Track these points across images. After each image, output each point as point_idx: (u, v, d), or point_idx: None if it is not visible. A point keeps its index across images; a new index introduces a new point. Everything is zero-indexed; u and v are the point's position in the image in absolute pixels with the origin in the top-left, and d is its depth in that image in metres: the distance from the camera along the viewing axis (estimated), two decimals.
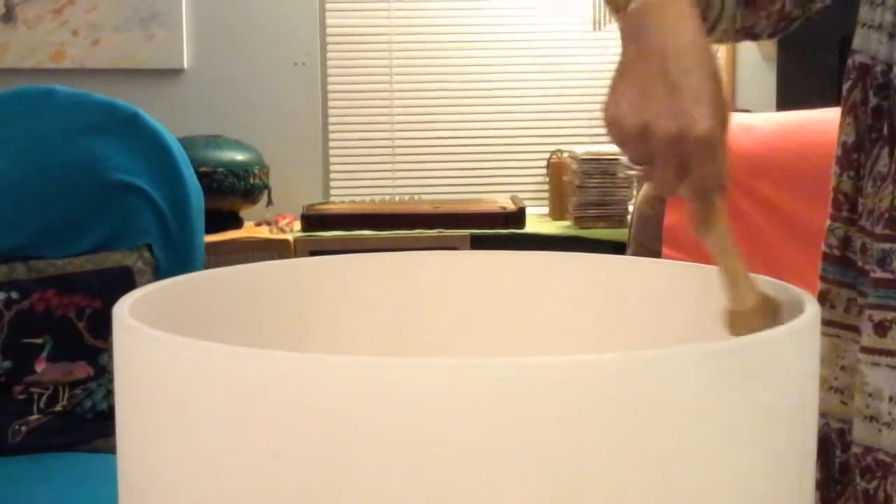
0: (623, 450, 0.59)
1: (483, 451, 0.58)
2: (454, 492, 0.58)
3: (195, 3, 3.48)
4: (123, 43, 3.43)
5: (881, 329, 0.97)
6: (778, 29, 1.08)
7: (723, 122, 0.76)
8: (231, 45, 3.49)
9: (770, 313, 0.75)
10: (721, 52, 3.59)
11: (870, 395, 0.98)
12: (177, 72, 3.48)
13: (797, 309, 0.71)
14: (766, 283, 0.82)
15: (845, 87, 1.05)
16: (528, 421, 0.58)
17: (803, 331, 0.68)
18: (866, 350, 0.99)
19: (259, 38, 3.49)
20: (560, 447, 0.58)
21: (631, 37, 0.80)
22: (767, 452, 0.65)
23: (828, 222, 1.07)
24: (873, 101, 1.01)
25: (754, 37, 1.09)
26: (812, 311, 0.70)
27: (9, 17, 3.41)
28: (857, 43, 1.04)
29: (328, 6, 3.60)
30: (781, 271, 2.29)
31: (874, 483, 0.98)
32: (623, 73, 0.79)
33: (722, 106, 0.76)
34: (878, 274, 0.98)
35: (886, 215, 0.97)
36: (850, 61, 1.05)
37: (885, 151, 0.99)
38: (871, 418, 0.98)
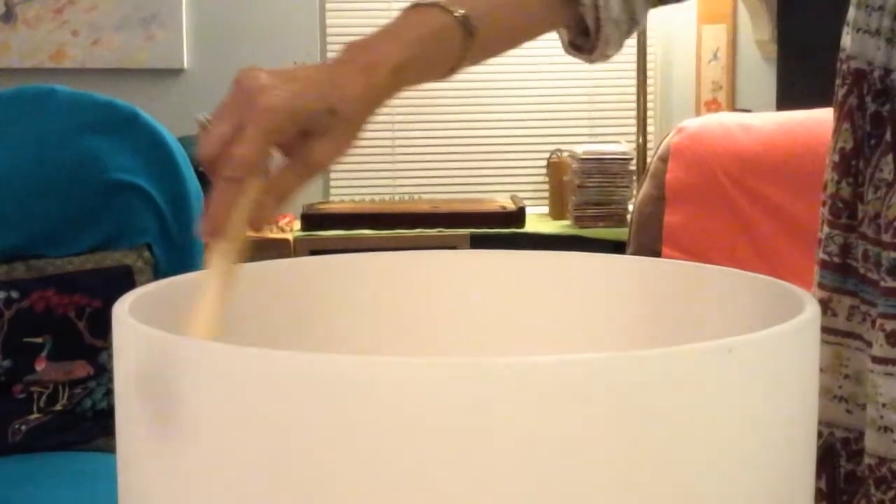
0: (619, 450, 0.59)
1: (482, 450, 0.58)
2: (453, 491, 0.58)
3: (195, 3, 3.48)
4: (123, 43, 3.43)
5: (893, 339, 0.97)
6: None
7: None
8: (231, 45, 3.48)
9: None
10: (721, 52, 3.60)
11: (883, 405, 0.97)
12: (177, 72, 3.48)
13: (797, 309, 0.70)
14: (766, 283, 0.82)
15: (840, 92, 1.04)
16: (526, 420, 0.58)
17: (803, 331, 0.68)
18: (878, 360, 0.98)
19: (259, 38, 3.48)
20: (557, 447, 0.58)
21: None
22: (766, 453, 0.65)
23: (825, 230, 1.05)
24: (871, 107, 1.00)
25: None
26: (812, 310, 0.70)
27: (9, 16, 3.41)
28: (851, 49, 1.03)
29: (328, 6, 3.60)
30: (781, 271, 2.29)
31: (890, 494, 0.97)
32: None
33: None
34: (889, 283, 0.97)
35: None
36: (844, 67, 1.04)
37: (889, 158, 0.98)
38: (885, 429, 0.97)
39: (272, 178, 0.75)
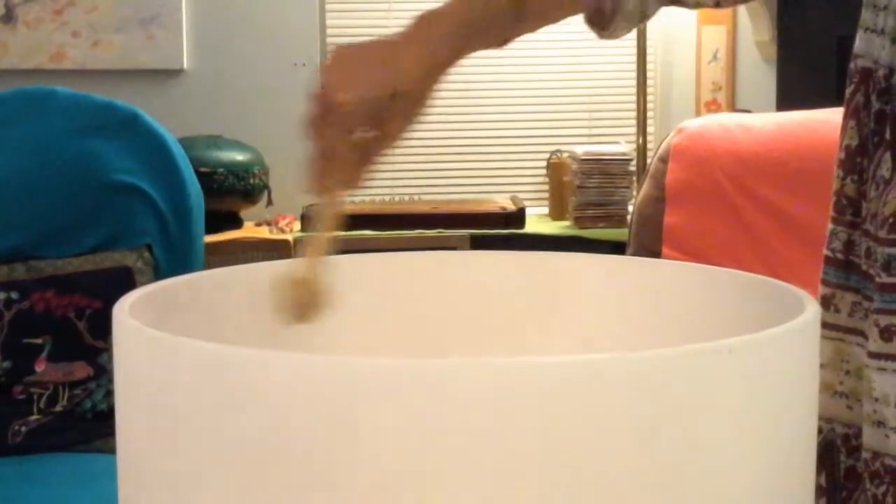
0: (620, 450, 0.59)
1: (480, 450, 0.58)
2: (454, 491, 0.58)
3: (195, 4, 3.47)
4: (123, 44, 3.43)
5: (887, 334, 0.97)
6: None
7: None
8: (231, 45, 3.48)
9: (310, 295, 0.82)
10: (721, 53, 3.60)
11: (877, 399, 0.98)
12: (177, 72, 3.48)
13: (797, 309, 0.71)
14: (766, 283, 0.82)
15: (848, 90, 1.05)
16: (526, 421, 0.58)
17: (803, 331, 0.68)
18: (873, 355, 0.98)
19: (259, 39, 3.48)
20: (556, 446, 0.58)
21: None
22: (767, 452, 0.65)
23: (830, 226, 1.06)
24: (875, 105, 1.01)
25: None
26: (812, 310, 0.70)
27: (9, 17, 3.41)
28: (859, 47, 1.04)
29: (328, 6, 3.60)
30: (781, 271, 2.29)
31: (882, 488, 0.98)
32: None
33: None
34: (884, 279, 0.98)
35: (891, 220, 0.97)
36: (851, 65, 1.05)
37: (888, 155, 0.99)
38: (879, 423, 0.98)
39: (360, 146, 0.91)
